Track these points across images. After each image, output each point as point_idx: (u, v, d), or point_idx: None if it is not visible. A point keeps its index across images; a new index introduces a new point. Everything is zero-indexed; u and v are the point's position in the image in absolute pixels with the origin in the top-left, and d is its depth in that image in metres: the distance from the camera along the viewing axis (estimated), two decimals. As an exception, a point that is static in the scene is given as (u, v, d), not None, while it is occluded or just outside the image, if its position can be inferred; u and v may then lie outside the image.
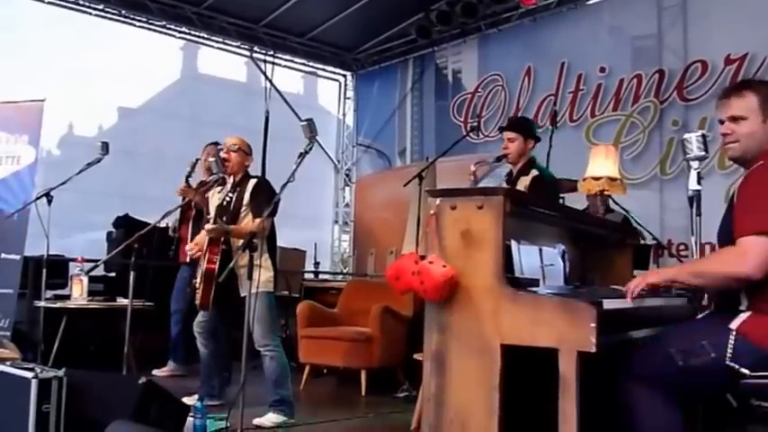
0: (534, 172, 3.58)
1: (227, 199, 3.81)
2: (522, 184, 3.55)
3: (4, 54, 7.77)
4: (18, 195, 5.07)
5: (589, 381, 1.91)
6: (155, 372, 5.03)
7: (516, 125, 3.81)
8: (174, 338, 5.27)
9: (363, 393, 4.74)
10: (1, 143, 5.28)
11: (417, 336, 2.23)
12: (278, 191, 3.45)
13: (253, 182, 3.84)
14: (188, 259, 5.00)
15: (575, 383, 1.84)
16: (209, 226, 3.70)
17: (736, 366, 1.89)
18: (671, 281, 2.10)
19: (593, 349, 1.82)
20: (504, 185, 3.63)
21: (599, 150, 3.70)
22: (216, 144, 5.17)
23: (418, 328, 2.18)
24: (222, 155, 3.84)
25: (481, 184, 3.40)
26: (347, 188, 9.29)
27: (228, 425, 3.27)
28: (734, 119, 2.12)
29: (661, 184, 5.98)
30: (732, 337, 1.91)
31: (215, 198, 3.94)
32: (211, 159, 3.90)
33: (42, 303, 4.52)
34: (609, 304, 1.99)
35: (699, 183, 2.39)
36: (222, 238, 3.72)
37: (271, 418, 3.68)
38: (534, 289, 2.17)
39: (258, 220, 3.46)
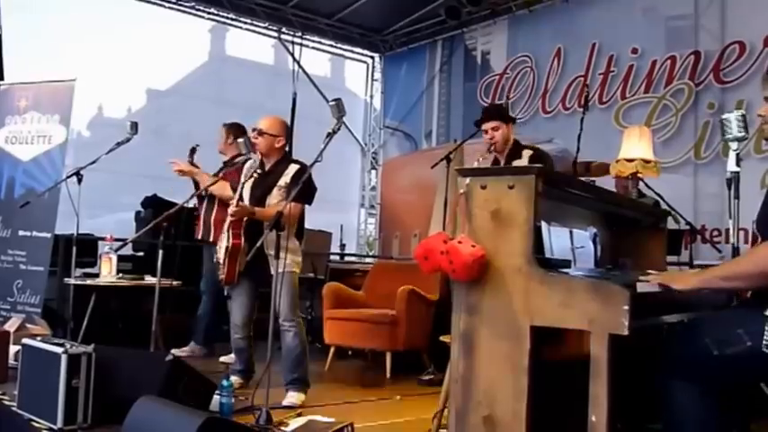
0: (528, 151, 3.55)
1: (251, 176, 3.78)
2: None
3: (35, 35, 7.87)
4: (49, 174, 5.15)
5: (620, 364, 1.87)
6: (175, 351, 5.06)
7: (496, 113, 3.83)
8: (197, 318, 5.28)
9: (388, 375, 4.74)
10: (33, 122, 5.37)
11: (443, 319, 2.21)
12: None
13: (295, 167, 3.78)
14: (199, 236, 5.03)
15: (606, 366, 1.79)
16: (232, 208, 3.69)
17: None
18: (700, 290, 2.00)
19: (626, 332, 1.77)
20: None
21: (632, 131, 3.61)
22: (225, 126, 5.20)
23: (444, 311, 2.15)
24: (251, 137, 3.82)
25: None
26: (374, 171, 9.26)
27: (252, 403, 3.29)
28: None
29: (695, 169, 5.84)
30: None
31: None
32: (240, 141, 3.88)
33: (72, 281, 4.58)
34: (642, 287, 1.94)
35: (738, 164, 2.31)
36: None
37: (298, 397, 3.71)
38: (565, 270, 2.13)
39: (286, 203, 3.44)
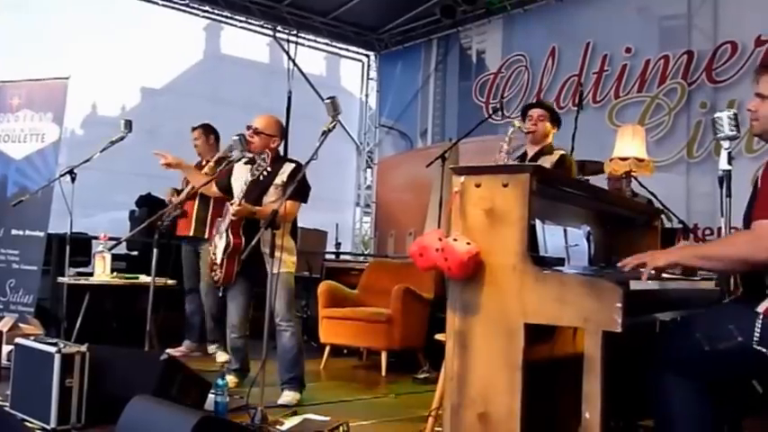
0: (560, 151, 3.54)
1: (259, 177, 3.77)
2: (548, 161, 3.51)
3: (29, 33, 7.82)
4: (42, 173, 5.13)
5: (614, 362, 1.87)
6: (169, 350, 5.05)
7: (546, 105, 3.80)
8: (188, 316, 5.26)
9: (383, 374, 4.75)
10: (26, 120, 5.34)
11: (438, 317, 2.22)
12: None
13: (291, 166, 3.78)
14: (190, 233, 5.03)
15: (599, 363, 1.80)
16: (234, 208, 3.69)
17: (764, 350, 1.84)
18: (676, 264, 2.03)
19: (619, 329, 1.78)
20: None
21: (626, 130, 3.62)
22: (202, 127, 5.24)
23: (439, 309, 2.16)
24: (247, 136, 3.81)
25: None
26: (369, 170, 9.26)
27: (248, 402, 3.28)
28: (760, 96, 2.07)
29: (688, 168, 5.87)
30: (759, 321, 1.86)
31: (240, 175, 3.91)
32: (235, 138, 3.88)
33: (65, 280, 4.56)
34: (635, 285, 1.95)
35: (729, 163, 2.33)
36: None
37: (294, 396, 3.70)
38: (559, 268, 2.13)
39: (281, 202, 3.43)
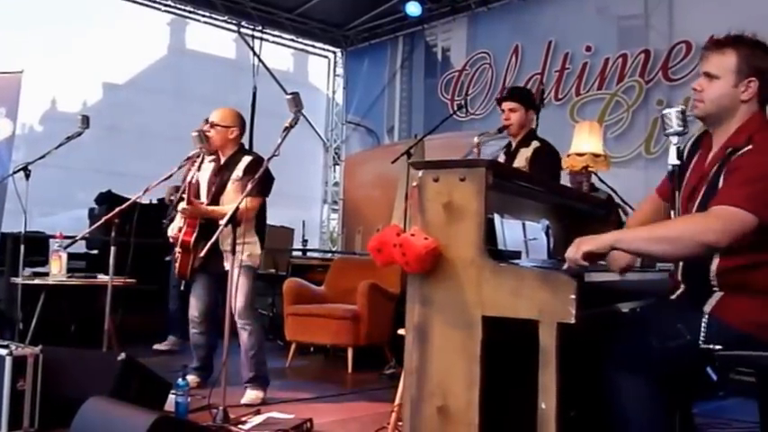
0: (535, 143, 3.53)
1: (215, 171, 3.74)
2: (524, 156, 3.50)
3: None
4: (-6, 169, 5.00)
5: (571, 354, 1.90)
6: (155, 346, 5.20)
7: (517, 95, 3.70)
8: (171, 313, 5.31)
9: (350, 371, 4.74)
10: (-22, 116, 5.20)
11: (404, 313, 2.21)
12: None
13: (248, 159, 3.74)
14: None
15: (555, 355, 1.83)
16: (181, 206, 3.65)
17: (710, 347, 1.89)
18: (611, 248, 1.91)
19: (573, 320, 1.81)
20: (502, 157, 3.62)
21: (583, 127, 3.67)
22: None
23: (405, 305, 2.17)
24: (205, 129, 3.78)
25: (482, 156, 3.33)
26: (336, 166, 9.24)
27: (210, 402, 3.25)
28: (708, 75, 2.03)
29: (645, 163, 6.00)
30: (705, 320, 1.90)
31: (204, 171, 3.87)
32: (193, 134, 3.83)
33: (20, 280, 4.43)
34: (590, 277, 1.98)
35: (678, 158, 2.36)
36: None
37: (257, 395, 3.67)
38: (516, 261, 2.16)
39: (242, 199, 3.39)
